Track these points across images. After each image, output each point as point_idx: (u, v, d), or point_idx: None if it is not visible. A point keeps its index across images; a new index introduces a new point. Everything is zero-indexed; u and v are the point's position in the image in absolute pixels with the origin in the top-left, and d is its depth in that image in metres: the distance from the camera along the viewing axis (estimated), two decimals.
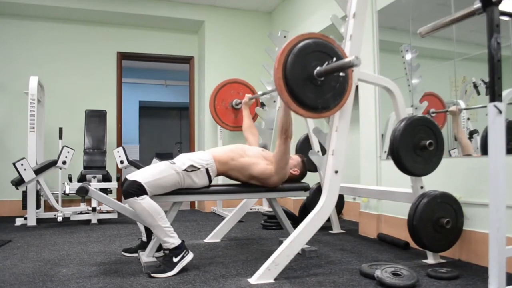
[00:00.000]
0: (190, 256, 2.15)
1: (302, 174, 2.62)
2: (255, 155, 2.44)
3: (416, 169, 2.22)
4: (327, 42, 1.99)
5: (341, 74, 1.98)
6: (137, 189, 2.05)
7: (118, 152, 4.19)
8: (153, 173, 2.14)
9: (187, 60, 5.74)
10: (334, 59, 1.93)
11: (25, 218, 3.91)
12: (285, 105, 1.98)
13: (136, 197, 2.05)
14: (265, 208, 4.84)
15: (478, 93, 2.55)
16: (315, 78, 1.90)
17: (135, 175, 2.12)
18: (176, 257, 2.09)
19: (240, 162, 2.37)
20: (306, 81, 1.90)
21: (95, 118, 4.75)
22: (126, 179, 2.16)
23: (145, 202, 2.06)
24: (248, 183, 2.46)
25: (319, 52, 1.93)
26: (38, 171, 3.83)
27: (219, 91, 3.35)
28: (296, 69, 1.87)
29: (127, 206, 2.27)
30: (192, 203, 5.62)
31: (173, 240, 2.11)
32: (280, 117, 2.28)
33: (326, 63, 1.92)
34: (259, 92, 3.37)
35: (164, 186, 2.17)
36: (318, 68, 1.90)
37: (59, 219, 3.99)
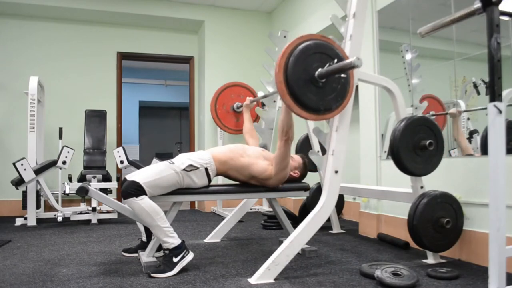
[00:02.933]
0: (190, 256, 2.14)
1: (302, 176, 2.62)
2: (255, 154, 2.43)
3: (416, 169, 2.21)
4: (327, 43, 1.98)
5: (342, 75, 1.97)
6: (136, 190, 2.05)
7: (118, 152, 4.19)
8: (152, 173, 2.13)
9: (187, 60, 5.74)
10: (335, 60, 1.92)
11: (25, 218, 3.91)
12: (287, 108, 1.97)
13: (135, 198, 2.05)
14: (265, 208, 4.84)
15: (478, 93, 2.55)
16: (316, 80, 1.89)
17: (134, 176, 2.12)
18: (176, 257, 2.09)
19: (240, 162, 2.37)
20: (307, 83, 1.89)
21: (95, 118, 4.75)
22: (125, 179, 2.17)
23: (144, 202, 2.06)
24: (248, 183, 2.46)
25: (319, 53, 1.92)
26: (38, 171, 3.83)
27: (219, 95, 3.36)
28: (297, 72, 1.86)
29: (127, 206, 2.27)
30: (192, 203, 5.62)
31: (173, 240, 2.11)
32: (281, 118, 2.26)
33: (328, 64, 1.90)
34: (260, 94, 3.36)
35: (163, 186, 2.16)
36: (319, 69, 1.89)
37: (59, 219, 3.99)
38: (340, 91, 1.97)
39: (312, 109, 1.92)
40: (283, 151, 2.31)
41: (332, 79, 1.94)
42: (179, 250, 2.11)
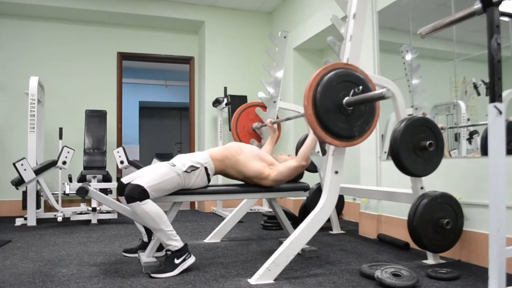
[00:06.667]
0: (192, 260, 2.15)
1: (299, 176, 2.62)
2: (251, 154, 2.44)
3: (416, 170, 2.21)
4: (350, 70, 1.99)
5: None
6: (140, 194, 2.05)
7: (118, 152, 4.19)
8: (155, 177, 2.14)
9: (187, 60, 5.74)
10: (360, 87, 1.92)
11: (25, 218, 3.91)
12: (320, 140, 1.97)
13: (139, 202, 2.05)
14: (265, 208, 4.84)
15: (478, 94, 2.55)
16: (345, 108, 1.91)
17: (137, 179, 2.12)
18: (178, 258, 2.10)
19: (236, 160, 2.38)
20: (336, 113, 1.91)
21: (95, 118, 4.75)
22: (121, 182, 2.19)
23: (147, 206, 2.06)
24: (247, 182, 2.47)
25: (344, 82, 1.94)
26: (38, 171, 3.82)
27: (239, 118, 3.36)
28: (326, 103, 1.88)
29: (127, 207, 2.28)
30: (192, 203, 5.61)
31: (176, 243, 2.11)
32: (307, 145, 2.32)
33: (352, 91, 1.92)
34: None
35: (166, 189, 2.18)
36: (346, 98, 1.91)
37: (59, 219, 3.99)
38: (369, 112, 2.00)
39: (345, 137, 1.95)
40: (294, 171, 2.37)
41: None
42: (181, 252, 2.11)
